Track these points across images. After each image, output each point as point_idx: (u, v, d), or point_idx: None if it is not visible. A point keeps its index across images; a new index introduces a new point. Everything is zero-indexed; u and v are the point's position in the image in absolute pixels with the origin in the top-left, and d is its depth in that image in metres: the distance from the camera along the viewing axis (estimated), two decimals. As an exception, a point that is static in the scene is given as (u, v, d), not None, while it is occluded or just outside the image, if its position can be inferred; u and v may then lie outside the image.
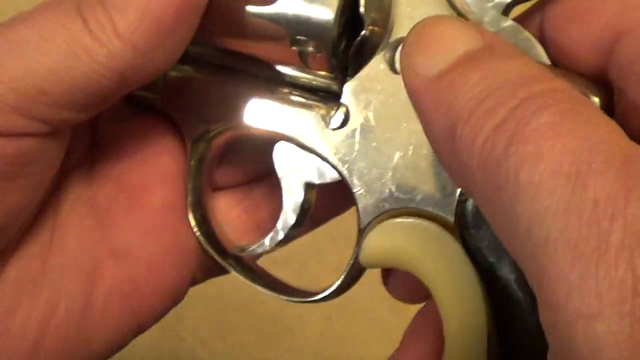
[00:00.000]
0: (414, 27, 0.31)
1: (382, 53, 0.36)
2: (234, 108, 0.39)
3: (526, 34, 0.34)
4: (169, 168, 0.41)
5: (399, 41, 0.36)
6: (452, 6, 0.35)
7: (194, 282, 0.42)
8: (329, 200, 0.41)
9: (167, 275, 0.41)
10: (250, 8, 0.36)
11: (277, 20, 0.36)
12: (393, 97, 0.36)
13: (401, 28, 0.36)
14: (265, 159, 0.42)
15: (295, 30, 0.36)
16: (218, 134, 0.40)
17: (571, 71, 0.34)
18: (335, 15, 0.35)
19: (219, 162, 0.43)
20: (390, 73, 0.36)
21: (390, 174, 0.36)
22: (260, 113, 0.39)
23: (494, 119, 0.27)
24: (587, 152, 0.25)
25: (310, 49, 0.36)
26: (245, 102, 0.39)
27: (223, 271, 0.42)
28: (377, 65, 0.37)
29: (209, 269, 0.42)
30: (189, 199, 0.41)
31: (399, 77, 0.33)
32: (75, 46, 0.34)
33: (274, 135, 0.39)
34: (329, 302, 0.41)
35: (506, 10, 0.35)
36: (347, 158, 0.37)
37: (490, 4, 0.35)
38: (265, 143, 0.41)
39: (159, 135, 0.41)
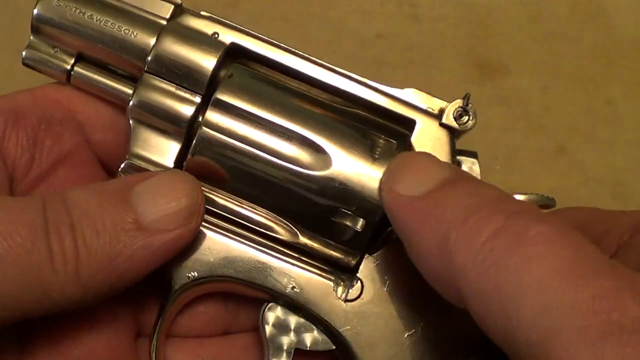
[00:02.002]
0: (395, 158, 0.36)
1: None
2: (234, 262, 0.40)
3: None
4: (102, 320, 0.41)
5: None
6: None
7: None
8: None
9: None
10: (301, 171, 0.38)
11: (327, 188, 0.38)
12: (409, 277, 0.39)
13: None
14: (236, 314, 0.43)
15: (343, 202, 0.38)
16: (206, 283, 0.40)
17: None
18: None
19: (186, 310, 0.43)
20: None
21: (397, 349, 0.38)
22: (264, 272, 0.40)
23: (492, 224, 0.32)
24: (580, 259, 0.31)
25: (348, 223, 0.39)
26: (251, 259, 0.40)
27: None
28: (396, 246, 0.39)
29: None
30: (154, 342, 0.41)
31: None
32: (33, 278, 0.34)
33: (270, 296, 0.40)
34: None
35: None
36: (356, 330, 0.39)
37: None
38: (245, 300, 0.42)
39: None
